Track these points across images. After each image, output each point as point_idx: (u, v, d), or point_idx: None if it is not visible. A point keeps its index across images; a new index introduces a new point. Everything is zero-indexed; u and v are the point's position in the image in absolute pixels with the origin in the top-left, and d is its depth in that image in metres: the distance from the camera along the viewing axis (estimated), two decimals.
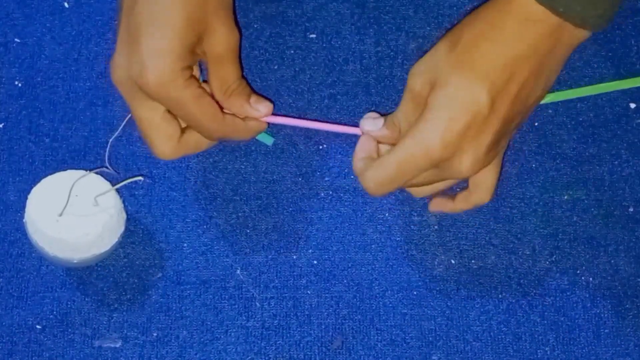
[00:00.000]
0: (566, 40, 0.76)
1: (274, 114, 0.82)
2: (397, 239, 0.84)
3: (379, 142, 0.80)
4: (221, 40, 0.78)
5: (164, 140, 0.79)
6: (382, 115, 0.80)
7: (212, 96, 0.80)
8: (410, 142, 0.76)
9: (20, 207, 0.82)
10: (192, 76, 0.77)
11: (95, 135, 0.86)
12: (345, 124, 0.82)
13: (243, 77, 0.81)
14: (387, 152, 0.78)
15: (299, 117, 0.84)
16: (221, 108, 0.80)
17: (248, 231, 0.84)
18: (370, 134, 0.80)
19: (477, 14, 0.77)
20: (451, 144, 0.75)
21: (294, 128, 0.86)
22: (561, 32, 0.75)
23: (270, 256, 0.83)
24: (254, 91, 0.82)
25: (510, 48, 0.75)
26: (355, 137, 0.84)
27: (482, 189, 0.81)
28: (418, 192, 0.83)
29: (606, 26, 0.75)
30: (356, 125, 0.80)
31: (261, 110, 0.81)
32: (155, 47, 0.75)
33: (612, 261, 0.84)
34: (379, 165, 0.77)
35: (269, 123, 0.83)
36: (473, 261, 0.83)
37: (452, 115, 0.75)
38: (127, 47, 0.77)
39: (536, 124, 0.88)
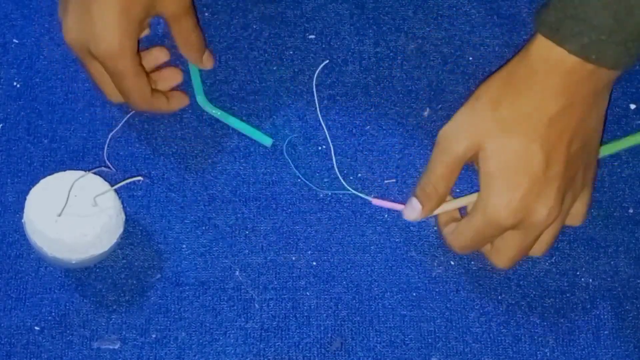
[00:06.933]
0: (604, 78, 0.76)
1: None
2: (397, 240, 0.84)
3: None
4: (172, 0, 0.83)
5: (114, 89, 0.84)
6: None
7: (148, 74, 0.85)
8: (479, 216, 0.78)
9: (19, 208, 0.82)
10: (137, 52, 0.82)
11: (94, 136, 0.86)
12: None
13: (198, 27, 0.86)
14: (464, 219, 0.80)
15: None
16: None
17: (247, 232, 0.84)
18: (415, 219, 0.82)
19: (510, 72, 0.77)
20: (518, 210, 0.76)
21: (293, 129, 0.86)
22: (599, 74, 0.75)
23: (269, 257, 0.83)
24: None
25: (553, 102, 0.75)
26: (356, 139, 0.84)
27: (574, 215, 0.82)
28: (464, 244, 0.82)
29: (637, 62, 0.75)
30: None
31: (206, 65, 0.88)
32: (105, 21, 0.79)
33: (612, 262, 0.84)
34: (458, 233, 0.80)
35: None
36: (472, 262, 0.83)
37: (512, 182, 0.76)
38: (79, 11, 0.80)
39: None
